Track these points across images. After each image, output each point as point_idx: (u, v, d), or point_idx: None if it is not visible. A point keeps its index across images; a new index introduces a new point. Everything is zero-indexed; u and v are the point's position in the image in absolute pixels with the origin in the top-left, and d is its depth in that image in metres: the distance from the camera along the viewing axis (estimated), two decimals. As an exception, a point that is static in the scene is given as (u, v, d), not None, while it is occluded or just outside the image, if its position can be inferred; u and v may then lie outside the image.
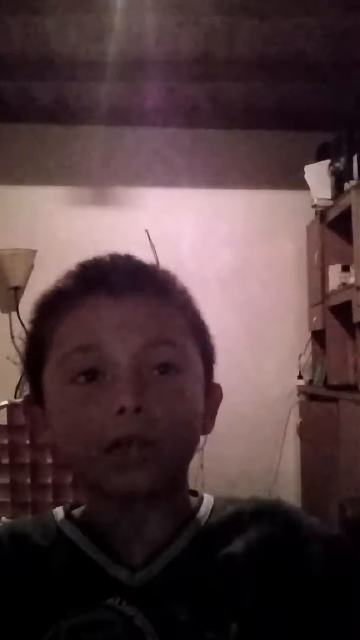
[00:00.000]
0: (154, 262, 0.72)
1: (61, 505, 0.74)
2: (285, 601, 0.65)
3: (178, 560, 0.66)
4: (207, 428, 0.71)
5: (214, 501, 0.73)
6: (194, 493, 0.74)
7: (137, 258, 0.71)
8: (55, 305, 0.68)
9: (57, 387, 0.66)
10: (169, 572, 0.66)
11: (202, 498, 0.73)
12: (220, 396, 0.74)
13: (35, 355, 0.69)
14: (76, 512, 0.73)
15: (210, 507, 0.72)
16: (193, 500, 0.73)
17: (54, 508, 0.74)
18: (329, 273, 3.89)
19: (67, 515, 0.72)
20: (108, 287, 0.66)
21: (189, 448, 0.67)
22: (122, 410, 0.61)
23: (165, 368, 0.65)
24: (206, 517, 0.70)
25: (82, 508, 0.73)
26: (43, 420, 0.69)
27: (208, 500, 0.73)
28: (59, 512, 0.73)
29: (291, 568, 0.67)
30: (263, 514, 0.70)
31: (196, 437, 0.68)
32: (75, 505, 0.74)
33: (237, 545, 0.68)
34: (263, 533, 0.69)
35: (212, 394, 0.72)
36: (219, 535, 0.69)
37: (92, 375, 0.64)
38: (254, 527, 0.69)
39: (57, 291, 0.69)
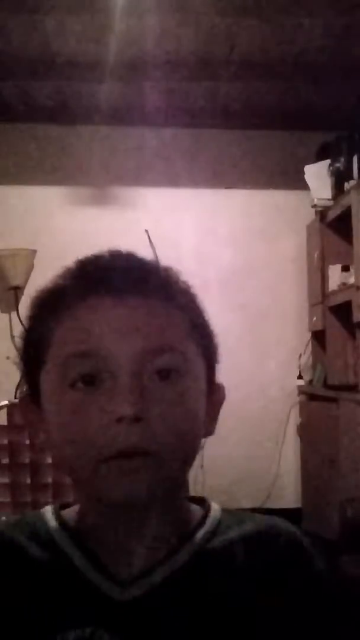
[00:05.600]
0: (155, 260, 0.70)
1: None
2: (286, 627, 0.65)
3: (173, 578, 0.65)
4: (209, 430, 0.69)
5: (221, 516, 0.71)
6: (201, 501, 0.72)
7: (138, 256, 0.69)
8: (53, 304, 0.66)
9: (54, 391, 0.64)
10: (162, 589, 0.64)
11: (208, 510, 0.71)
12: (223, 396, 0.72)
13: (32, 355, 0.67)
14: (68, 514, 0.70)
15: (216, 522, 0.70)
16: (197, 511, 0.71)
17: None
18: (329, 273, 3.89)
19: (58, 519, 0.69)
20: (108, 288, 0.64)
21: (188, 456, 0.65)
22: (120, 420, 0.60)
23: (166, 373, 0.63)
24: (209, 533, 0.68)
25: (74, 510, 0.70)
26: (40, 421, 0.67)
27: (214, 515, 0.71)
28: (48, 515, 0.70)
29: (296, 595, 0.67)
30: (266, 538, 0.69)
31: (196, 444, 0.66)
32: (66, 505, 0.72)
33: (237, 569, 0.66)
34: (263, 559, 0.68)
35: (215, 394, 0.70)
36: (220, 556, 0.67)
37: (90, 380, 0.62)
38: (257, 552, 0.68)
39: (55, 289, 0.67)
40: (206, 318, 0.70)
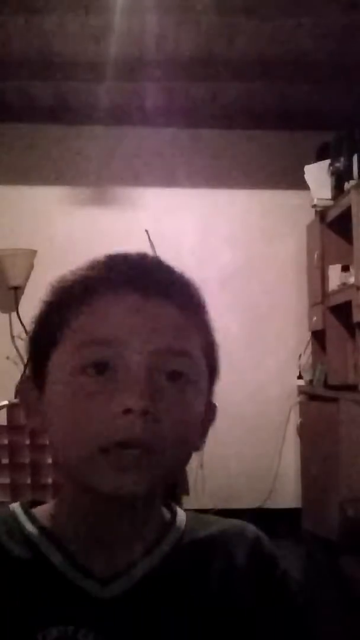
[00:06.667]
0: (181, 270, 0.71)
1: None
2: (253, 621, 0.68)
3: (151, 575, 0.66)
4: (199, 445, 0.70)
5: (186, 517, 0.73)
6: (167, 505, 0.74)
7: (167, 263, 0.70)
8: (77, 291, 0.66)
9: (64, 376, 0.64)
10: (141, 586, 0.66)
11: (175, 512, 0.73)
12: (214, 416, 0.73)
13: (45, 338, 0.67)
14: (39, 512, 0.70)
15: (183, 523, 0.72)
16: (165, 512, 0.73)
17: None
18: (329, 273, 3.90)
19: (30, 518, 0.69)
20: (136, 285, 0.65)
21: (184, 460, 0.67)
22: (128, 411, 0.60)
23: (176, 377, 0.64)
24: (179, 532, 0.71)
25: (45, 508, 0.71)
26: (38, 403, 0.67)
27: (181, 517, 0.73)
28: (20, 515, 0.70)
29: (263, 591, 0.70)
30: (233, 538, 0.72)
31: (190, 452, 0.68)
32: (34, 503, 0.72)
33: (208, 567, 0.69)
34: (233, 557, 0.71)
35: (209, 413, 0.71)
36: (193, 555, 0.70)
37: (102, 368, 0.62)
38: (225, 551, 0.71)
39: (82, 278, 0.67)
40: (215, 339, 0.71)
